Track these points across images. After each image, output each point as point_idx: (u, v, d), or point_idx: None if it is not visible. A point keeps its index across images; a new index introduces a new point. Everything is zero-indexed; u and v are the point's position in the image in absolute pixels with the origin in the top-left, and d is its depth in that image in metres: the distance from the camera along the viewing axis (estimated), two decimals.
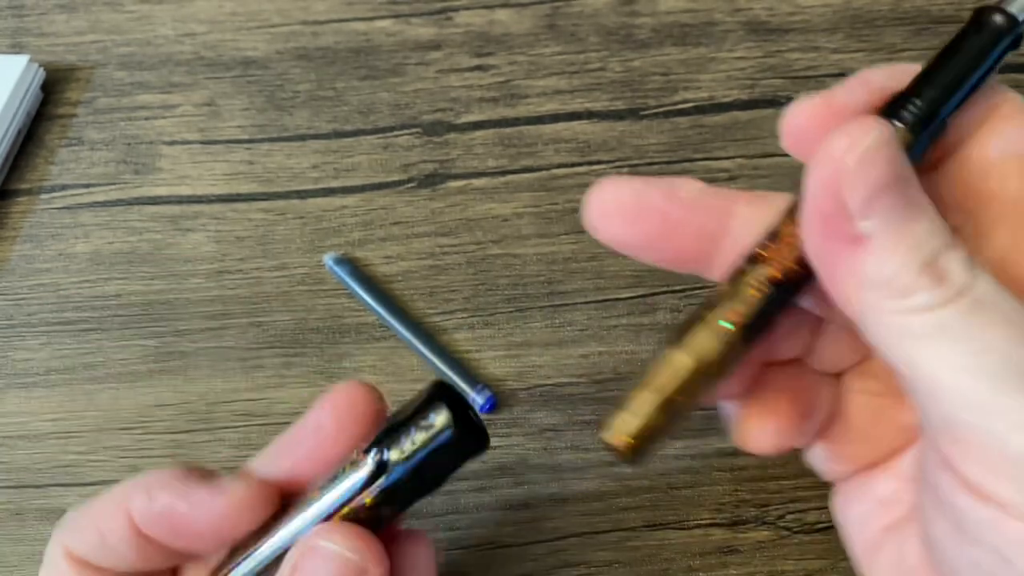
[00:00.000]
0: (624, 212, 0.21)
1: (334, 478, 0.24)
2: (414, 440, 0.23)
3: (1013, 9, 0.21)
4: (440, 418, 0.23)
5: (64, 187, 0.42)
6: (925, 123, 0.20)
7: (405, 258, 0.39)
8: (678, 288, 0.38)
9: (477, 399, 0.35)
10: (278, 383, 0.37)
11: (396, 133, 0.43)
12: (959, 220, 0.21)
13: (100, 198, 0.42)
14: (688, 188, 0.22)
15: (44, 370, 0.37)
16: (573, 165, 0.41)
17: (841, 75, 0.43)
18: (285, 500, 0.25)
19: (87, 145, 0.43)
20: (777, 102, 0.42)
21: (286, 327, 0.38)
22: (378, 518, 0.23)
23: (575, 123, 0.43)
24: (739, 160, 0.41)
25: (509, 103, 0.43)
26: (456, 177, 0.41)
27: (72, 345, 0.38)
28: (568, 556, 0.33)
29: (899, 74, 0.21)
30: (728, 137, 0.42)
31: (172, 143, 0.43)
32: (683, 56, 0.44)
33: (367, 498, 0.23)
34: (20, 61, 0.44)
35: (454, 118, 0.43)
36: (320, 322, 0.38)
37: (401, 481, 0.23)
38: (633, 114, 0.43)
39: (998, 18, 0.21)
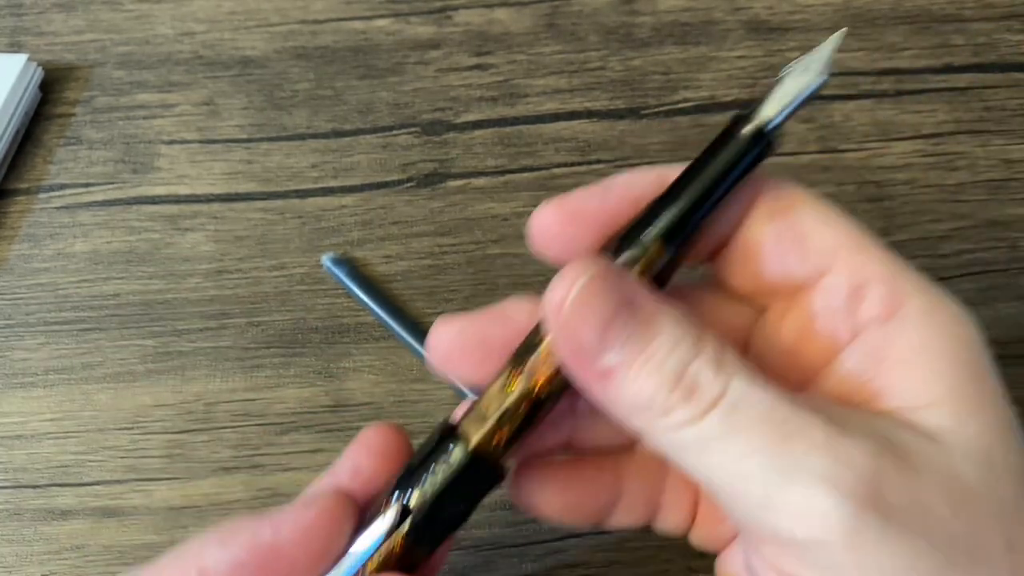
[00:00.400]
0: (465, 353, 0.22)
1: (361, 528, 0.23)
2: (434, 479, 0.22)
3: (760, 121, 0.21)
4: (456, 452, 0.22)
5: (62, 186, 0.42)
6: (677, 231, 0.21)
7: (404, 258, 0.39)
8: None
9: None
10: (277, 383, 0.37)
11: (395, 132, 0.43)
12: (756, 304, 0.23)
13: (99, 197, 0.42)
14: (517, 310, 0.23)
15: (42, 370, 0.37)
16: (573, 165, 0.41)
17: (842, 74, 0.43)
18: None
19: (85, 144, 0.43)
20: None
21: (285, 327, 0.38)
22: (411, 561, 0.23)
23: (575, 122, 0.42)
24: None
25: (509, 102, 0.43)
26: (455, 176, 0.41)
27: (70, 345, 0.38)
28: (568, 556, 0.32)
29: (643, 178, 0.22)
30: None
31: (171, 142, 0.43)
32: (683, 55, 0.44)
33: (396, 545, 0.23)
34: (18, 60, 0.44)
35: (453, 117, 0.43)
36: (319, 322, 0.38)
37: (426, 522, 0.23)
38: (633, 113, 0.43)
39: (748, 129, 0.21)
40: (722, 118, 0.42)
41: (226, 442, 0.35)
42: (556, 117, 0.43)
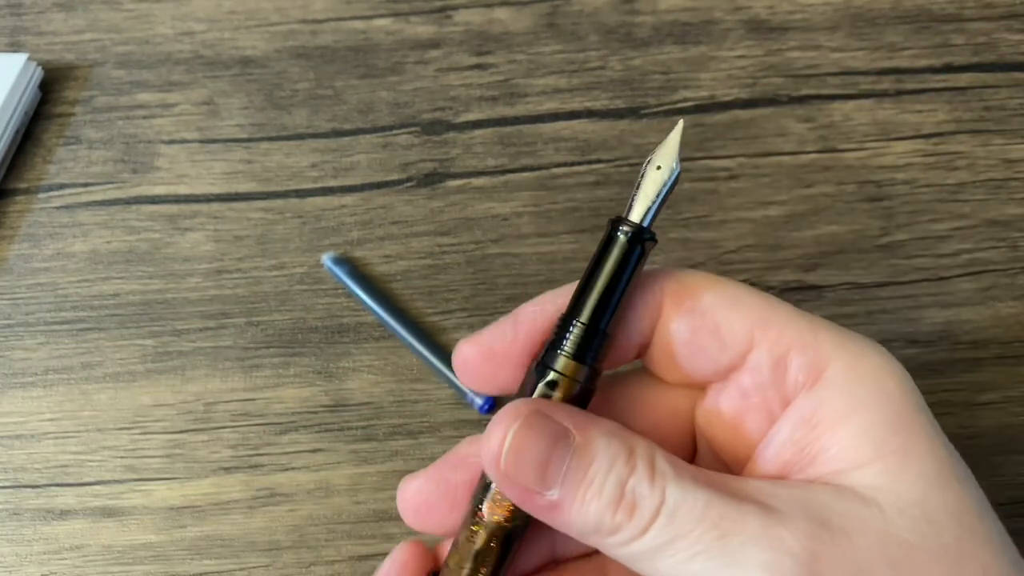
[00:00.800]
0: (433, 506, 0.24)
1: None
2: None
3: (632, 225, 0.22)
4: None
5: (62, 186, 0.42)
6: (586, 347, 0.22)
7: (404, 257, 0.39)
8: None
9: (476, 400, 0.35)
10: (276, 383, 0.37)
11: (395, 132, 0.43)
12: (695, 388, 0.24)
13: (98, 197, 0.42)
14: (469, 452, 0.24)
15: (42, 370, 0.37)
16: (573, 164, 0.41)
17: (842, 74, 0.43)
18: None
19: (85, 144, 0.43)
20: (778, 101, 0.42)
21: (284, 327, 0.38)
22: None
23: (575, 122, 0.42)
24: (740, 159, 0.41)
25: (508, 102, 0.43)
26: (455, 176, 0.41)
27: (70, 345, 0.38)
28: None
29: (547, 304, 0.23)
30: (729, 136, 0.42)
31: (170, 142, 0.43)
32: (683, 55, 0.44)
33: None
34: (18, 60, 0.44)
35: (453, 117, 0.43)
36: (319, 322, 0.38)
37: None
38: (633, 113, 0.43)
39: (625, 229, 0.22)
40: (722, 118, 0.42)
41: (225, 442, 0.35)
42: (556, 117, 0.43)
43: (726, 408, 0.23)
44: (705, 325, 0.22)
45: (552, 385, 0.22)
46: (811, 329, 0.22)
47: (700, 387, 0.24)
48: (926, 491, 0.20)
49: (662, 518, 0.20)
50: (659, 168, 0.22)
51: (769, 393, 0.22)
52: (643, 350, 0.24)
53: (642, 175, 0.22)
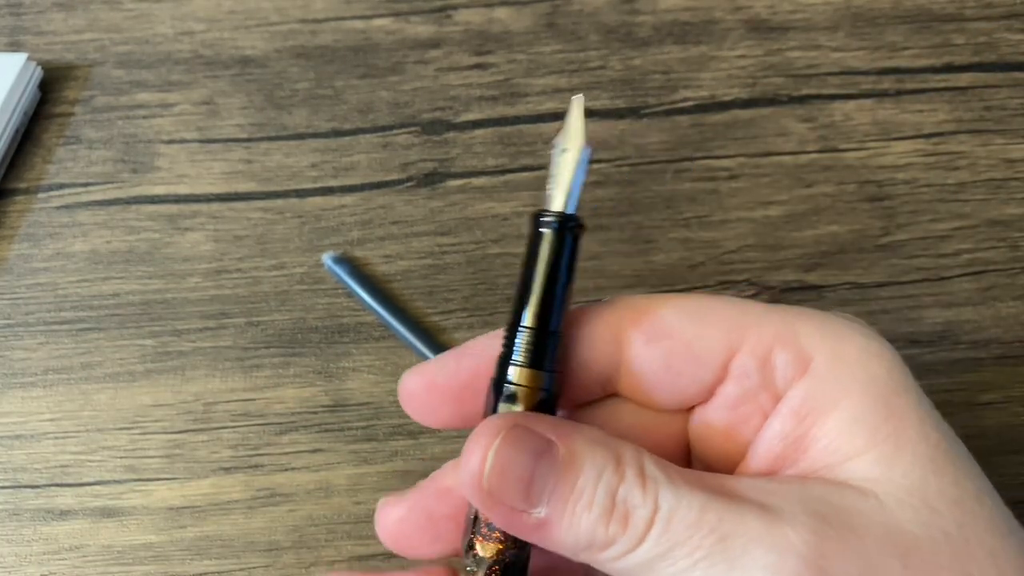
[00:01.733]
0: (416, 535, 0.23)
1: None
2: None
3: (556, 214, 0.21)
4: None
5: (62, 186, 0.42)
6: (540, 352, 0.21)
7: (404, 257, 0.39)
8: (679, 287, 0.38)
9: None
10: (276, 383, 0.36)
11: (395, 132, 0.43)
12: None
13: (98, 197, 0.42)
14: (453, 482, 0.23)
15: (42, 370, 0.37)
16: None
17: (842, 73, 0.43)
18: None
19: (85, 144, 0.43)
20: (778, 100, 0.42)
21: (284, 327, 0.38)
22: None
23: None
24: (740, 159, 0.41)
25: (509, 101, 0.43)
26: (455, 176, 0.41)
27: (70, 345, 0.38)
28: None
29: (501, 337, 0.22)
30: (729, 136, 0.42)
31: (170, 142, 0.43)
32: (684, 54, 0.44)
33: None
34: (18, 59, 0.43)
35: (453, 117, 0.43)
36: (319, 322, 0.38)
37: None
38: (633, 113, 0.42)
39: (548, 220, 0.21)
40: (722, 117, 0.42)
41: (225, 442, 0.35)
42: (556, 116, 0.43)
43: (717, 420, 0.22)
44: (675, 347, 0.21)
45: (512, 399, 0.21)
46: (788, 321, 0.21)
47: (687, 409, 0.23)
48: (923, 477, 0.19)
49: (657, 526, 0.19)
50: (565, 151, 0.22)
51: (760, 396, 0.21)
52: (609, 384, 0.23)
53: (552, 163, 0.22)
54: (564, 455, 0.20)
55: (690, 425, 0.23)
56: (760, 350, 0.21)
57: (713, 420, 0.22)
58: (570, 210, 0.21)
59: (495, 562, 0.21)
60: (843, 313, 0.23)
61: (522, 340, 0.21)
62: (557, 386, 0.21)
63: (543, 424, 0.20)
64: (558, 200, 0.21)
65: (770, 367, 0.21)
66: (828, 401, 0.20)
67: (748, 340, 0.21)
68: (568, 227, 0.21)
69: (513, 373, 0.21)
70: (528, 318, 0.21)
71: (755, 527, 0.19)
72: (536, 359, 0.21)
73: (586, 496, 0.19)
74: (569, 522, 0.19)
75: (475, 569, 0.21)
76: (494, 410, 0.21)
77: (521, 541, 0.21)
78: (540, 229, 0.21)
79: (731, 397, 0.22)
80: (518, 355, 0.21)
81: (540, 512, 0.20)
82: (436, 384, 0.22)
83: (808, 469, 0.21)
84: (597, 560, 0.20)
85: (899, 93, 0.42)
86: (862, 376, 0.20)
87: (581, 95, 0.23)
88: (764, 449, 0.21)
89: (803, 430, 0.21)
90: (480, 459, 0.20)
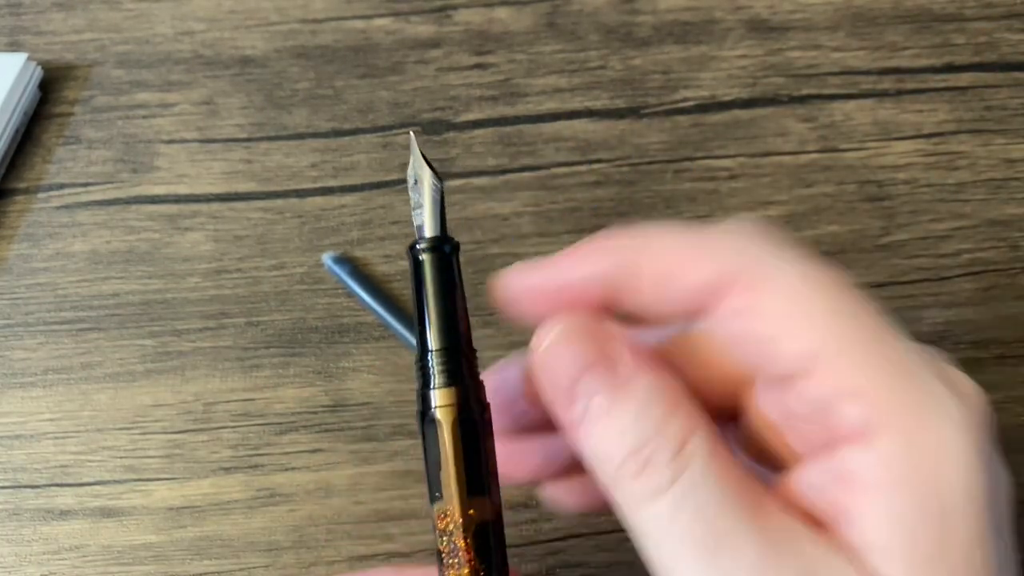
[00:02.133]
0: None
1: None
2: None
3: (431, 241, 0.22)
4: None
5: (62, 186, 0.42)
6: (453, 367, 0.22)
7: (404, 257, 0.39)
8: None
9: None
10: (276, 383, 0.36)
11: (395, 132, 0.43)
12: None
13: (98, 197, 0.42)
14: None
15: (42, 370, 0.37)
16: (573, 164, 0.41)
17: (843, 73, 0.43)
18: None
19: (85, 144, 0.43)
20: (778, 100, 0.42)
21: (284, 327, 0.38)
22: None
23: (575, 122, 0.42)
24: (740, 159, 0.41)
25: (509, 101, 0.43)
26: (455, 176, 0.41)
27: (69, 345, 0.38)
28: (568, 556, 0.32)
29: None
30: (729, 136, 0.42)
31: (170, 142, 0.43)
32: (684, 54, 0.44)
33: None
34: (18, 59, 0.43)
35: (453, 117, 0.43)
36: (319, 322, 0.38)
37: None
38: (633, 112, 0.42)
39: (424, 247, 0.22)
40: (722, 117, 0.42)
41: (225, 442, 0.35)
42: (556, 116, 0.43)
43: (770, 411, 0.21)
44: (760, 333, 0.20)
45: (433, 423, 0.21)
46: (875, 368, 0.19)
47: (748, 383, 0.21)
48: None
49: (670, 496, 0.19)
50: (416, 182, 0.23)
51: (813, 422, 0.19)
52: (693, 313, 0.21)
53: (411, 197, 0.23)
54: (621, 377, 0.20)
55: (755, 395, 0.21)
56: (835, 387, 0.19)
57: (767, 409, 0.21)
58: (440, 232, 0.23)
59: (463, 530, 0.22)
60: (948, 362, 0.21)
61: (434, 364, 0.22)
62: (480, 396, 0.22)
63: (620, 346, 0.20)
64: (429, 225, 0.23)
65: (833, 411, 0.19)
66: (878, 486, 0.18)
67: (830, 369, 0.19)
68: (445, 248, 0.22)
69: (432, 399, 0.22)
70: (434, 342, 0.22)
71: (751, 558, 0.18)
72: (451, 378, 0.22)
73: (620, 424, 0.20)
74: (598, 435, 0.20)
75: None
76: (422, 435, 0.22)
77: (488, 564, 0.22)
78: (420, 257, 0.22)
79: (786, 404, 0.20)
80: (434, 380, 0.22)
81: (577, 409, 0.20)
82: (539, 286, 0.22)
83: (835, 538, 0.19)
84: (604, 477, 0.20)
85: (899, 93, 0.42)
86: (926, 475, 0.18)
87: (411, 132, 0.25)
88: (804, 488, 0.20)
89: (844, 497, 0.19)
90: (541, 338, 0.21)
